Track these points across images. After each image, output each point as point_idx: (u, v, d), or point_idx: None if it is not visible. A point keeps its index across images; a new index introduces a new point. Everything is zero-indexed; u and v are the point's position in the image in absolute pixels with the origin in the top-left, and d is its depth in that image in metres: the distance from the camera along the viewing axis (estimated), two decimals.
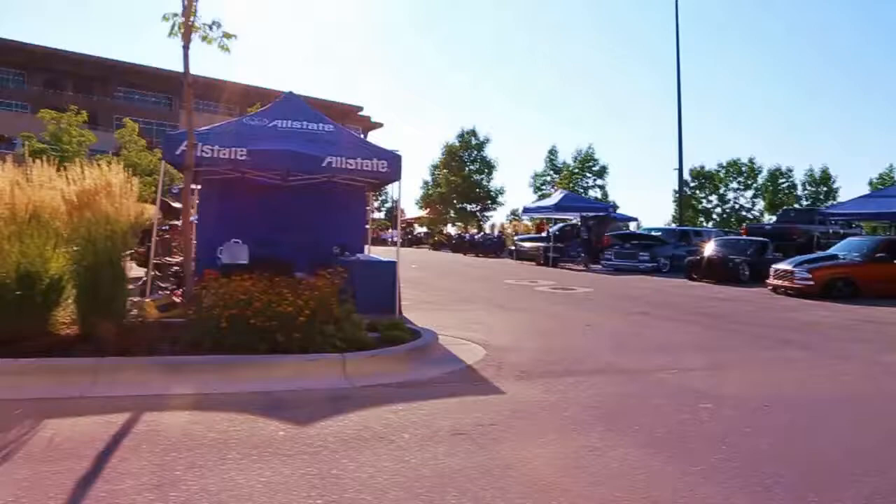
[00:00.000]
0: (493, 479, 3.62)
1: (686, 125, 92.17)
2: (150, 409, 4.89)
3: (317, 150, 9.90)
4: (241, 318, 6.48)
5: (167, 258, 12.11)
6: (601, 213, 27.99)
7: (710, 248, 21.10)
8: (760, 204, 53.40)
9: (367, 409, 5.02)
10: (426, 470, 3.74)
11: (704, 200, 54.08)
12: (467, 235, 42.52)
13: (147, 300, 8.84)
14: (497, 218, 56.85)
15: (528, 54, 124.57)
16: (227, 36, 7.90)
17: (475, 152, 52.27)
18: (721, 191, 53.61)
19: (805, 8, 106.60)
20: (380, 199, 76.88)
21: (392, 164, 10.17)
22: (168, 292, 10.08)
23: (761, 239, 21.66)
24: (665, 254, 23.79)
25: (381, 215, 75.61)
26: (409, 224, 57.83)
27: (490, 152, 54.89)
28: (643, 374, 6.76)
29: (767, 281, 17.11)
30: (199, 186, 12.81)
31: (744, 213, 52.85)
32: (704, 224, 50.92)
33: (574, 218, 28.92)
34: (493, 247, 35.31)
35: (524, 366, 6.85)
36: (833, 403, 5.84)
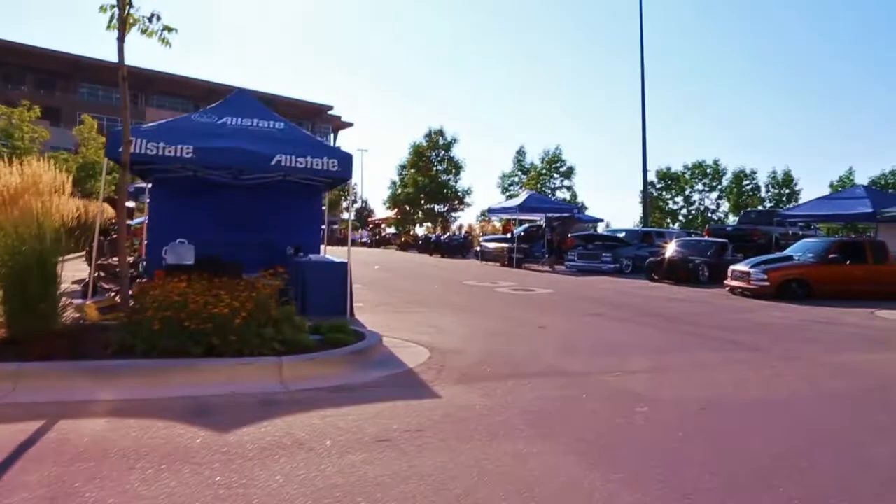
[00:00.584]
0: (407, 489, 3.51)
1: (656, 127, 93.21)
2: (67, 417, 4.70)
3: (266, 148, 9.71)
4: (175, 320, 6.31)
5: (115, 258, 11.78)
6: (566, 214, 28.06)
7: (670, 250, 21.27)
8: (726, 205, 54.12)
9: (295, 415, 4.88)
10: (339, 479, 3.61)
11: (671, 202, 54.64)
12: (433, 236, 42.34)
13: (88, 302, 8.59)
14: (467, 218, 56.81)
15: (502, 57, 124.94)
16: (168, 29, 7.70)
17: (442, 152, 52.09)
18: (687, 192, 54.23)
19: (773, 14, 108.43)
20: (348, 199, 76.46)
21: (343, 163, 10.04)
22: (112, 294, 9.80)
23: (721, 240, 21.90)
24: (627, 255, 23.94)
25: (352, 216, 75.18)
26: (378, 225, 57.46)
27: (459, 152, 54.87)
28: (586, 376, 6.71)
29: (725, 282, 17.28)
30: (150, 185, 12.54)
31: (709, 214, 53.51)
32: (671, 225, 51.41)
33: (541, 219, 28.97)
34: (459, 247, 35.22)
35: (467, 369, 6.75)
36: (770, 405, 5.83)
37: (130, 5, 7.09)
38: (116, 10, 7.16)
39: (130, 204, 15.36)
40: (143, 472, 3.65)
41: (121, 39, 7.03)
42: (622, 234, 26.78)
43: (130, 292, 7.84)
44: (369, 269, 22.83)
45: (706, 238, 23.94)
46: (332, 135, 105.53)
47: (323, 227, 13.40)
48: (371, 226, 58.09)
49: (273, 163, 9.64)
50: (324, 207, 13.40)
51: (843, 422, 5.40)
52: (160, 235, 11.66)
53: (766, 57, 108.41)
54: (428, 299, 13.88)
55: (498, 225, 42.30)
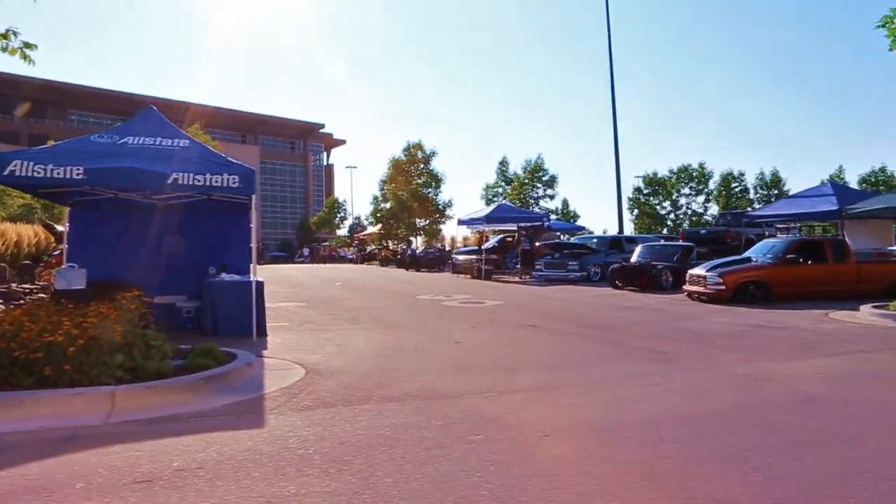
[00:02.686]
0: None
1: (644, 134, 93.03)
2: None
3: (162, 166, 9.38)
4: (5, 350, 5.91)
5: (25, 286, 11.43)
6: (536, 223, 27.54)
7: (634, 255, 20.79)
8: (714, 208, 53.47)
9: (81, 452, 4.45)
10: None
11: (658, 207, 54.05)
12: (409, 250, 41.90)
13: None
14: (452, 231, 56.28)
15: (491, 68, 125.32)
16: (28, 45, 7.48)
17: (422, 165, 51.75)
18: (673, 196, 53.67)
19: (765, 14, 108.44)
20: (338, 216, 76.41)
21: (244, 179, 9.70)
22: None
23: (686, 244, 21.40)
24: (595, 262, 23.38)
25: (344, 232, 75.00)
26: (362, 240, 57.21)
27: (439, 165, 54.28)
28: (454, 399, 6.22)
29: (684, 287, 16.79)
30: (68, 209, 12.23)
31: (696, 217, 52.91)
32: (662, 230, 50.73)
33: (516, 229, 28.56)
34: (436, 261, 34.78)
35: (326, 393, 6.31)
36: (627, 429, 5.16)
37: None
38: None
39: (61, 228, 15.03)
40: None
41: None
42: (593, 242, 26.26)
43: None
44: (330, 286, 22.44)
45: (671, 242, 23.43)
46: (324, 153, 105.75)
47: (252, 245, 13.00)
48: (357, 242, 57.72)
49: (169, 181, 9.30)
50: (252, 225, 13.00)
51: (692, 448, 4.69)
52: (79, 260, 11.31)
53: (755, 57, 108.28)
54: (362, 316, 13.41)
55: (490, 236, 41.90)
